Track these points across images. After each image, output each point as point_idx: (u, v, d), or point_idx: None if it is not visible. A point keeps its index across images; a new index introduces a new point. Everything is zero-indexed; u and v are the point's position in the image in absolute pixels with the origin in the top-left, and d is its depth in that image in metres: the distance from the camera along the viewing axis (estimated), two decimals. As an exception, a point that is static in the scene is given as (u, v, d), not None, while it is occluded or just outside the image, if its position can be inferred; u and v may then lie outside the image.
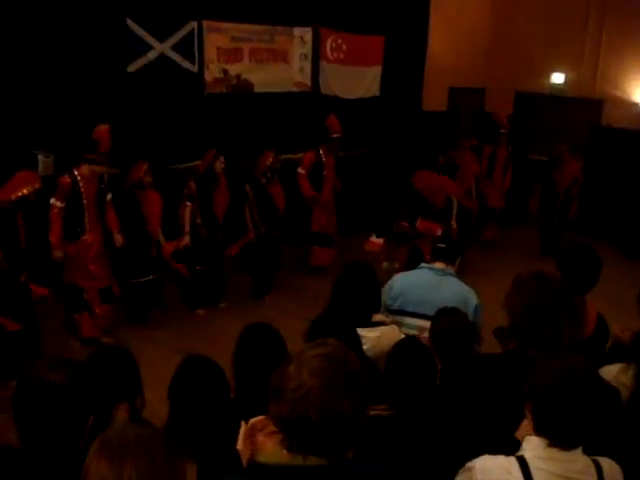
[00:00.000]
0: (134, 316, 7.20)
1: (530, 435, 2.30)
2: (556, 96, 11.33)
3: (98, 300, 6.55)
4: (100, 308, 6.58)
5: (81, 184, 6.28)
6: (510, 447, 2.39)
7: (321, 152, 8.60)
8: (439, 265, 4.25)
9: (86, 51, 7.58)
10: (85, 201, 6.31)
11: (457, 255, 4.35)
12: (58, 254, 6.27)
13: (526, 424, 2.45)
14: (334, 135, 8.49)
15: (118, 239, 6.65)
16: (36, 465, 2.02)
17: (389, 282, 4.25)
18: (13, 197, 5.69)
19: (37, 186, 5.83)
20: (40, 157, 7.33)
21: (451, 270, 4.24)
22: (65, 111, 7.46)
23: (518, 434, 2.54)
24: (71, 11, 7.39)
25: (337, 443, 1.73)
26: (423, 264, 4.35)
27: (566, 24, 11.04)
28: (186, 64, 8.59)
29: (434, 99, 11.34)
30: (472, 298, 4.09)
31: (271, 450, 1.84)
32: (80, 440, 2.07)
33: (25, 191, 5.73)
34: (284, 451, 1.76)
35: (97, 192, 6.43)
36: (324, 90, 10.12)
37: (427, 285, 4.11)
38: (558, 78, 11.30)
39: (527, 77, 11.52)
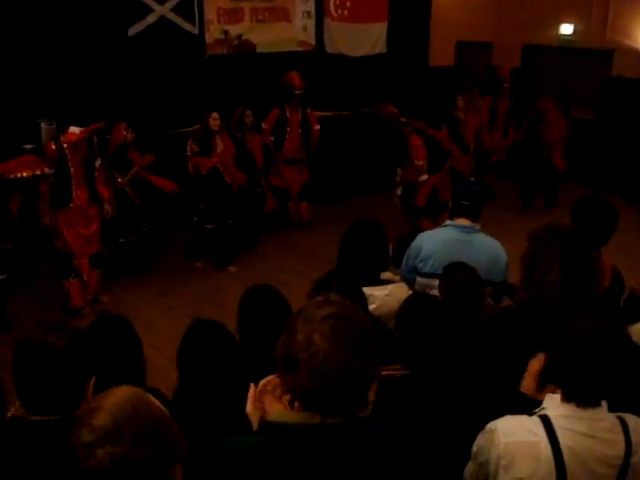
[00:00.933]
0: (124, 272, 7.30)
1: (550, 392, 2.26)
2: (565, 47, 11.09)
3: (88, 266, 6.58)
4: (90, 274, 6.61)
5: (67, 151, 6.24)
6: (521, 404, 2.35)
7: (286, 109, 8.49)
8: (464, 222, 4.00)
9: (86, 16, 7.53)
10: (72, 168, 6.28)
11: (481, 209, 4.10)
12: (45, 221, 6.37)
13: (530, 379, 2.42)
14: (295, 92, 8.32)
15: (107, 210, 6.70)
16: (41, 432, 2.01)
17: (414, 242, 4.05)
18: (11, 176, 5.83)
19: (38, 172, 5.96)
20: (43, 125, 7.30)
21: (478, 226, 4.02)
22: (67, 78, 7.43)
23: (524, 389, 2.51)
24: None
25: (355, 402, 1.68)
26: (448, 221, 4.10)
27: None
28: (187, 26, 8.53)
29: (441, 54, 11.17)
30: (503, 254, 3.96)
31: (283, 411, 1.79)
32: (80, 405, 2.05)
33: (25, 174, 5.88)
34: (298, 411, 1.71)
35: (85, 158, 6.40)
36: (329, 49, 9.95)
37: (457, 245, 3.88)
38: (567, 29, 11.04)
39: (535, 29, 11.23)
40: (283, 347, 1.68)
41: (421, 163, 8.10)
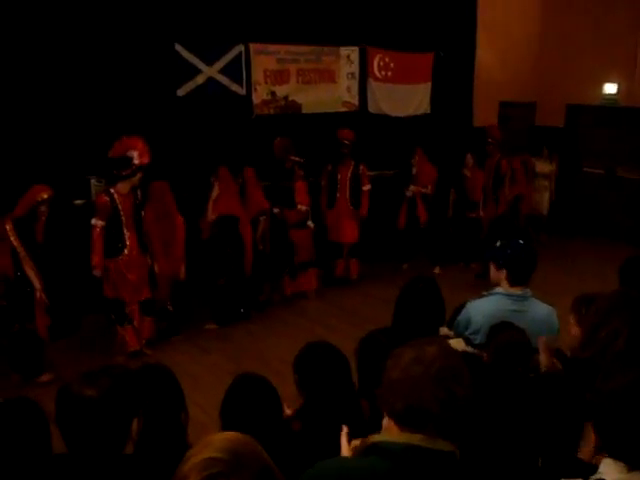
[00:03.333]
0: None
1: (603, 456, 2.13)
2: (609, 107, 11.08)
3: (139, 313, 6.72)
4: (141, 321, 6.75)
5: (118, 201, 6.45)
6: (578, 469, 2.23)
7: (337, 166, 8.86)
8: (516, 290, 3.81)
9: (136, 76, 7.75)
10: (123, 218, 6.49)
11: (531, 274, 3.89)
12: (98, 273, 6.49)
13: (588, 444, 2.30)
14: (344, 142, 8.65)
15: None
16: (86, 471, 2.10)
17: (463, 314, 3.92)
18: (22, 213, 5.99)
19: (46, 196, 6.06)
20: (93, 182, 7.47)
21: (529, 292, 3.83)
22: (117, 136, 7.45)
23: (581, 454, 2.39)
24: (122, 36, 7.56)
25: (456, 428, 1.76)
26: (498, 289, 3.88)
27: (616, 32, 10.80)
28: (234, 87, 8.69)
29: (485, 114, 11.21)
30: (556, 320, 3.80)
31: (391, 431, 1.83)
32: (124, 446, 2.16)
33: (34, 202, 6.01)
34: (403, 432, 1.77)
35: (133, 207, 6.58)
36: (372, 109, 10.09)
37: (509, 316, 3.61)
38: (610, 88, 11.04)
39: (578, 89, 11.31)
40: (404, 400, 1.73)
41: (304, 208, 8.14)
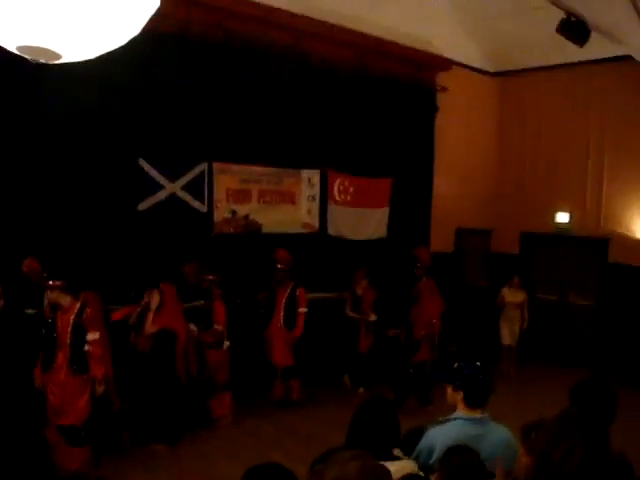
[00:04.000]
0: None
1: None
2: (562, 235, 11.44)
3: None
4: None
5: (55, 314, 6.28)
6: None
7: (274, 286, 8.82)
8: (474, 413, 3.78)
9: (98, 189, 7.72)
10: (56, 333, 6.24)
11: (489, 396, 3.86)
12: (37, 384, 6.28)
13: None
14: (278, 266, 8.64)
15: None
16: None
17: (424, 441, 3.81)
18: None
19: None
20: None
21: (487, 415, 3.79)
22: (79, 248, 7.46)
23: None
24: (86, 150, 7.62)
25: None
26: (457, 413, 3.83)
27: (568, 165, 11.38)
28: (196, 204, 8.73)
29: (441, 240, 11.47)
30: (515, 441, 3.67)
31: None
32: None
33: None
34: None
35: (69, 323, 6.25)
36: (332, 231, 10.22)
37: (472, 441, 3.51)
38: (563, 217, 11.44)
39: (532, 217, 11.75)
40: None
41: (221, 328, 7.95)
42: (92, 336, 6.21)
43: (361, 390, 9.35)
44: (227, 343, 8.03)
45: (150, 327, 7.22)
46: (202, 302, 8.01)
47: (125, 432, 7.09)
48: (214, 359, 7.91)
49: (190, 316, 7.81)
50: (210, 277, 7.99)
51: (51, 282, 6.21)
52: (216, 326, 7.87)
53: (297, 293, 8.69)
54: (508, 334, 10.85)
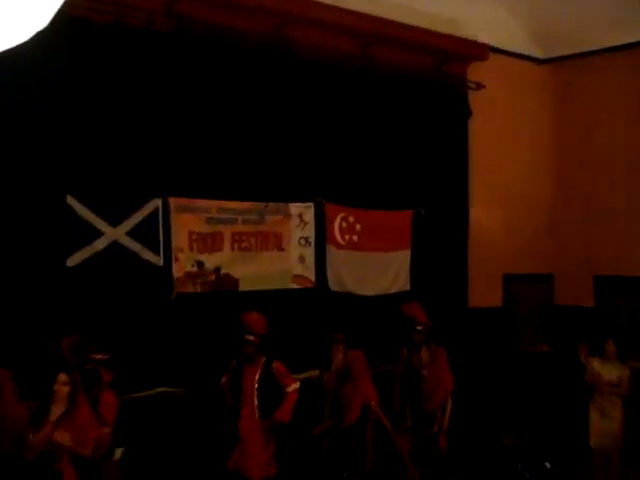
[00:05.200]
0: None
1: None
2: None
3: None
4: None
5: None
6: None
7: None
8: None
9: (8, 239, 7.75)
10: None
11: None
12: None
13: None
14: (247, 338, 8.20)
15: None
16: None
17: None
18: None
19: None
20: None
21: None
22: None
23: None
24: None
25: None
26: None
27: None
28: (147, 254, 8.74)
29: (484, 291, 11.55)
30: None
31: None
32: None
33: None
34: None
35: None
36: (334, 285, 10.30)
37: None
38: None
39: (611, 254, 11.73)
40: None
41: (107, 431, 7.05)
42: None
43: None
44: (119, 452, 7.58)
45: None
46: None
47: None
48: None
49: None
50: (98, 356, 7.41)
51: None
52: (103, 428, 6.91)
53: (274, 369, 8.24)
54: (604, 431, 9.82)
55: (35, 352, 7.67)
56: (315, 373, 9.47)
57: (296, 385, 8.31)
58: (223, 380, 8.35)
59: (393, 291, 10.84)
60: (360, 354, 9.07)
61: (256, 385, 8.22)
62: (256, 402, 8.21)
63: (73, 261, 8.24)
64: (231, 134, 9.27)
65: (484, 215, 11.67)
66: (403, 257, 10.98)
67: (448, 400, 9.28)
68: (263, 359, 8.26)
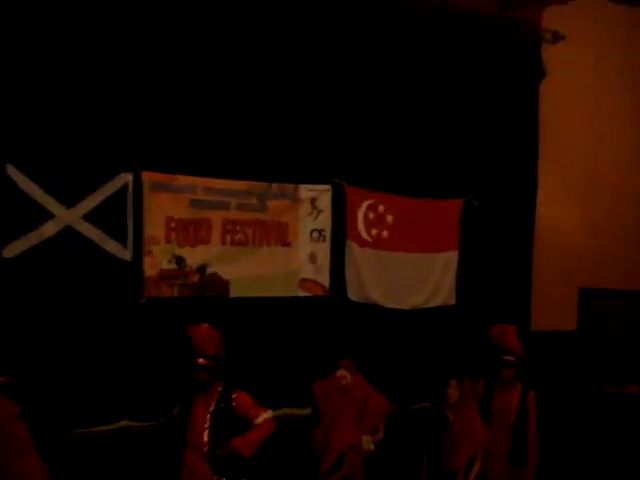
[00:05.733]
0: None
1: None
2: None
3: None
4: None
5: None
6: None
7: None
8: None
9: None
10: None
11: None
12: None
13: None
14: (199, 360, 7.59)
15: None
16: None
17: None
18: None
19: None
20: None
21: None
22: None
23: None
24: None
25: None
26: None
27: None
28: (110, 246, 8.60)
29: (553, 311, 11.29)
30: None
31: None
32: None
33: None
34: None
35: None
36: (354, 294, 10.06)
37: None
38: None
39: None
40: None
41: None
42: None
43: None
44: None
45: None
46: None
47: None
48: None
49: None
50: None
51: None
52: None
53: (235, 401, 7.69)
54: None
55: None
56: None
57: (267, 415, 7.69)
58: (175, 411, 7.86)
59: (433, 304, 10.55)
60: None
61: (207, 424, 7.67)
62: (206, 439, 7.63)
63: (12, 251, 8.16)
64: (225, 92, 9.13)
65: (556, 211, 11.38)
66: (448, 261, 10.68)
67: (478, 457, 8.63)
68: (219, 388, 7.66)
